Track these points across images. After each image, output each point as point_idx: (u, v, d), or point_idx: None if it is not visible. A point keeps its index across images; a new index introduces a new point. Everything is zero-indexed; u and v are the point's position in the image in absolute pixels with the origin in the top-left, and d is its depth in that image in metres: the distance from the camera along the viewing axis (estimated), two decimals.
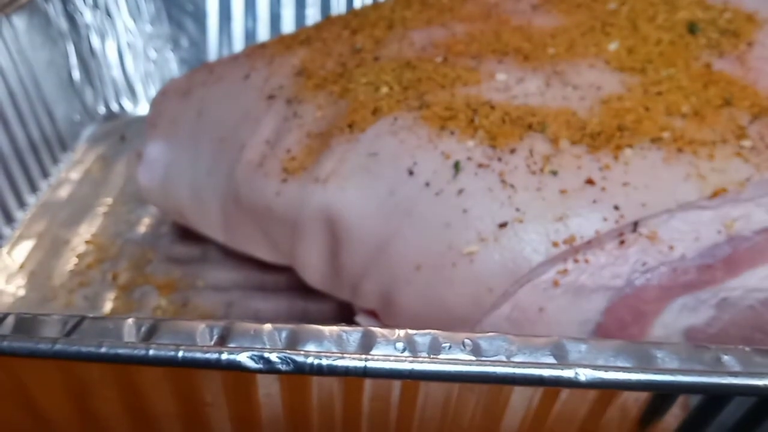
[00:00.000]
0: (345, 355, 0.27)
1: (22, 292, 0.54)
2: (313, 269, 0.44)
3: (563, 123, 0.39)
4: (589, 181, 0.36)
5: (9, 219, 0.61)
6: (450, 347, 0.28)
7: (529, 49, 0.45)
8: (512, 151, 0.38)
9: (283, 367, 0.27)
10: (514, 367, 0.27)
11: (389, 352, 0.28)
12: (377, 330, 0.28)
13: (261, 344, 0.28)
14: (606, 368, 0.27)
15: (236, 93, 0.49)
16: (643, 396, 0.29)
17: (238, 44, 0.80)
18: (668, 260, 0.36)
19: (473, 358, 0.27)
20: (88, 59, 0.75)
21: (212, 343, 0.28)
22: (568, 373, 0.27)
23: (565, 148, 0.38)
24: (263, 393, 0.30)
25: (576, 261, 0.36)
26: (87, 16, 0.74)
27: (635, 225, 0.36)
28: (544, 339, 0.28)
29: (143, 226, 0.60)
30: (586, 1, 0.49)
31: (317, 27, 0.54)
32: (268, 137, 0.46)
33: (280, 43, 0.52)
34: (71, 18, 0.73)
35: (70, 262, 0.56)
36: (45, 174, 0.66)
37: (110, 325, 0.29)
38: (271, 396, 0.30)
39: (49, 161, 0.67)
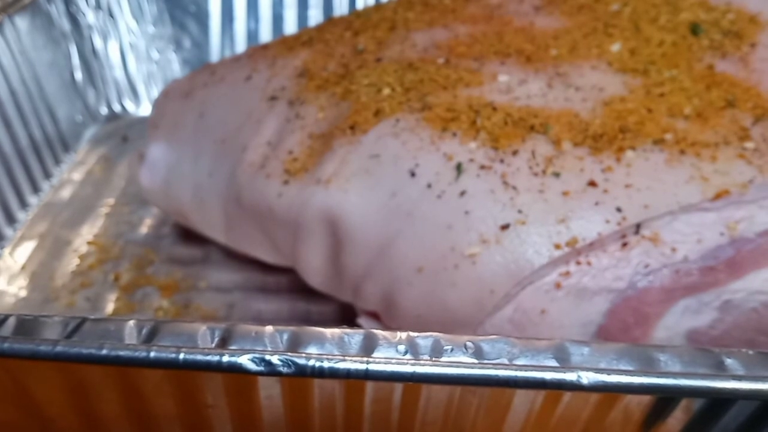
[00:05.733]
0: (346, 358, 0.27)
1: (23, 293, 0.54)
2: (314, 271, 0.44)
3: (565, 125, 0.39)
4: (592, 183, 0.36)
5: (11, 219, 0.61)
6: (452, 350, 0.28)
7: (531, 51, 0.45)
8: (514, 152, 0.38)
9: (284, 370, 0.27)
10: (516, 370, 0.27)
11: (391, 355, 0.28)
12: (379, 332, 0.28)
13: (262, 346, 0.28)
14: (608, 371, 0.27)
15: (238, 94, 0.49)
16: (646, 399, 0.29)
17: (241, 45, 0.80)
18: (671, 262, 0.36)
19: (475, 360, 0.27)
20: (90, 60, 0.75)
21: (213, 345, 0.28)
22: (570, 377, 0.27)
23: (568, 149, 0.38)
24: (264, 395, 0.30)
25: (578, 263, 0.36)
26: (89, 16, 0.74)
27: (638, 227, 0.36)
28: (547, 342, 0.28)
29: (145, 227, 0.60)
30: (588, 3, 0.49)
31: (319, 28, 0.54)
32: (269, 138, 0.45)
33: (283, 44, 0.52)
34: (74, 19, 0.73)
35: (71, 263, 0.56)
36: (47, 174, 0.66)
37: (111, 327, 0.29)
38: (272, 398, 0.30)
39: (51, 162, 0.67)
